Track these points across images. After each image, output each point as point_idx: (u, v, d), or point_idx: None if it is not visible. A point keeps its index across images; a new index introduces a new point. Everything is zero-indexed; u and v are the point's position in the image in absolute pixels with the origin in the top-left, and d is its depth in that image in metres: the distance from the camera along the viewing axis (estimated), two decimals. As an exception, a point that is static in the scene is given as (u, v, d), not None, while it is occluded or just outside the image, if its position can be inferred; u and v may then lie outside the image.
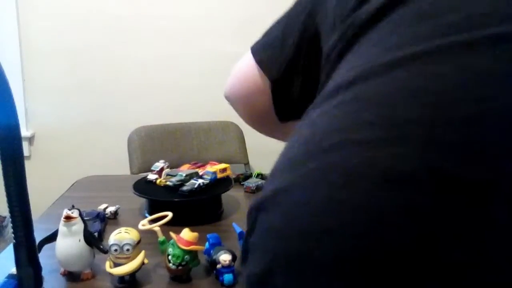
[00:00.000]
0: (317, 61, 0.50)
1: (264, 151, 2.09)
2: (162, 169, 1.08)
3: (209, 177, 1.04)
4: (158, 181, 1.05)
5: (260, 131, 0.72)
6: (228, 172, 1.09)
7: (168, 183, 1.02)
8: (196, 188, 0.99)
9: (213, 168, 1.07)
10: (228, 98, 0.66)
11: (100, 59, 2.03)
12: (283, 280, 0.31)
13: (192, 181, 1.02)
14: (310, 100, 0.57)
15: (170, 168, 1.10)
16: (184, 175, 1.03)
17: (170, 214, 0.81)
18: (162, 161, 1.09)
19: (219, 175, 1.06)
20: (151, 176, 1.07)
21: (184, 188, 0.98)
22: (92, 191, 1.22)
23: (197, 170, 1.08)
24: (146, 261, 0.75)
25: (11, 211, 0.51)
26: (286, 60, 0.55)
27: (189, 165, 1.13)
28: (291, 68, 0.55)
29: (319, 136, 0.34)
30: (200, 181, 1.01)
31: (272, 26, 0.59)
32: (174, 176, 1.04)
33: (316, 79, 0.52)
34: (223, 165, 1.08)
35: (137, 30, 2.00)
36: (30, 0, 1.97)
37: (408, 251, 0.27)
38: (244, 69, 0.61)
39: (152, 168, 1.08)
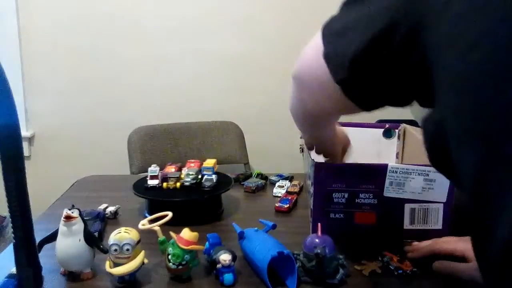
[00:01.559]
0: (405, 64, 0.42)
1: (264, 151, 2.10)
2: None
3: (211, 172, 1.06)
4: (165, 185, 1.04)
5: (306, 127, 0.66)
6: (216, 166, 1.11)
7: (184, 183, 1.03)
8: (215, 182, 1.03)
9: (208, 164, 1.09)
10: (294, 80, 0.59)
11: (100, 59, 2.03)
12: None
13: (206, 177, 1.04)
14: (395, 92, 0.47)
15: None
16: (193, 173, 1.04)
17: (170, 214, 0.81)
18: (154, 165, 1.08)
19: (215, 169, 1.09)
20: (152, 182, 1.05)
21: (207, 184, 1.02)
22: (92, 191, 1.22)
23: (198, 168, 1.09)
24: (146, 261, 0.75)
25: (11, 211, 0.51)
26: (353, 57, 0.46)
27: (175, 166, 1.11)
28: (361, 67, 0.46)
29: None
30: (213, 176, 1.05)
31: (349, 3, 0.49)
32: (177, 177, 1.05)
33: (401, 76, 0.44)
34: (213, 160, 1.10)
35: (137, 30, 2.00)
36: (30, 0, 1.97)
37: None
38: (311, 56, 0.53)
39: (150, 174, 1.06)
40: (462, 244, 0.76)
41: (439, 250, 0.79)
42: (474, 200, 0.35)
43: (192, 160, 1.12)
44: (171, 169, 1.09)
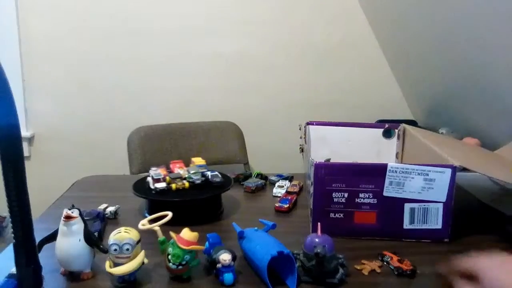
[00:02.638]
0: None
1: (264, 151, 2.10)
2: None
3: (206, 169, 1.08)
4: (174, 186, 1.02)
5: None
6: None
7: (195, 182, 1.03)
8: (221, 177, 1.06)
9: (199, 162, 1.11)
10: None
11: (100, 59, 2.03)
12: None
13: (210, 173, 1.06)
14: None
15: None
16: (197, 171, 1.06)
17: (170, 214, 0.81)
18: (154, 168, 1.07)
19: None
20: (160, 185, 1.02)
21: (217, 180, 1.04)
22: (92, 191, 1.22)
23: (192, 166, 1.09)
24: (146, 261, 0.75)
25: (11, 211, 0.51)
26: None
27: (163, 168, 1.10)
28: None
29: None
30: (216, 172, 1.07)
31: None
32: (178, 177, 1.05)
33: None
34: (199, 158, 1.12)
35: (137, 31, 2.01)
36: (30, 0, 1.97)
37: None
38: None
39: (154, 177, 1.03)
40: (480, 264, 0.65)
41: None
42: None
43: (176, 161, 1.12)
44: (163, 171, 1.07)
